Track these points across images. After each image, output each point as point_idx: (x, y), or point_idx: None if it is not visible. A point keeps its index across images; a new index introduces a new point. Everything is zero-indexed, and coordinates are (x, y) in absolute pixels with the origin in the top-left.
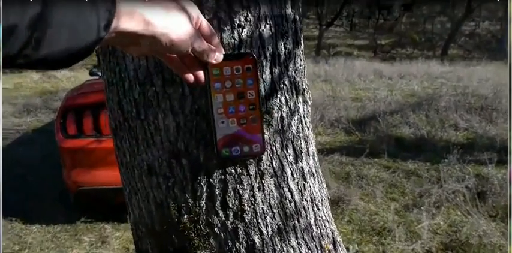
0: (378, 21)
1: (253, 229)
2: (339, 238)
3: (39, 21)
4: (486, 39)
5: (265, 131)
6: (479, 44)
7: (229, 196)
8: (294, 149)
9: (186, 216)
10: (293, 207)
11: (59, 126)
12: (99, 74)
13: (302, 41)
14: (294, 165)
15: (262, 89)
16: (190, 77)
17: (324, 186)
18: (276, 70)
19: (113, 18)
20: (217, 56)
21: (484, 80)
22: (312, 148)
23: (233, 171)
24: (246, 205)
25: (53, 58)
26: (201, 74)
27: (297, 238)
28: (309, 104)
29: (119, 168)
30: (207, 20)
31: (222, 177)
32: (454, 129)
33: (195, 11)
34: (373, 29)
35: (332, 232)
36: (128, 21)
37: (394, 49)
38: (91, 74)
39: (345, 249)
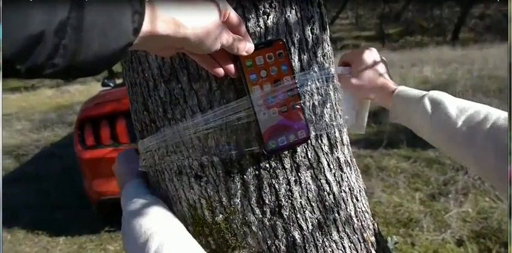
0: (383, 10)
1: (293, 225)
2: (379, 230)
3: (68, 27)
4: (497, 20)
5: None
6: (491, 25)
7: (265, 192)
8: (329, 139)
9: (220, 216)
10: (332, 200)
11: (77, 138)
12: (111, 84)
13: (328, 26)
14: (330, 156)
15: None
16: (221, 71)
17: (360, 175)
18: (305, 57)
19: (142, 22)
20: (249, 47)
21: (498, 61)
22: (346, 137)
23: (267, 165)
24: (283, 200)
25: (83, 66)
26: (231, 66)
27: (338, 231)
28: (339, 90)
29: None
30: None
31: (256, 172)
32: None
33: (222, 2)
34: (379, 19)
35: (373, 224)
36: (158, 24)
37: (402, 38)
38: (103, 84)
39: (385, 241)
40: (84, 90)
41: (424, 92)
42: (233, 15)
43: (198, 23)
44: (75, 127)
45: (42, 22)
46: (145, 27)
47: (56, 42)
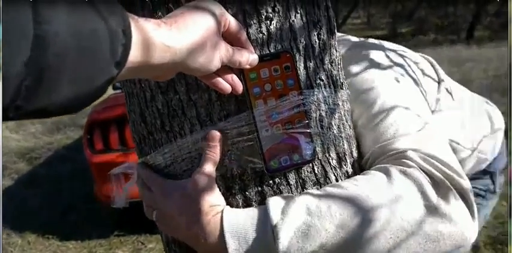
0: (396, 8)
1: None
2: None
3: (30, 67)
4: None
5: None
6: (507, 22)
7: None
8: (337, 152)
9: None
10: None
11: (86, 142)
12: None
13: (335, 30)
14: (338, 170)
15: None
16: (227, 87)
17: None
18: (311, 64)
19: (127, 54)
20: (252, 60)
21: None
22: (355, 149)
23: (271, 181)
24: None
25: (55, 107)
26: (237, 82)
27: None
28: (348, 99)
29: None
30: (231, 15)
31: (259, 188)
32: None
33: (219, 10)
34: (391, 17)
35: None
36: (151, 54)
37: (415, 37)
38: (114, 88)
39: None
40: None
41: None
42: (233, 22)
43: (194, 42)
44: (84, 132)
45: (5, 63)
46: (135, 57)
47: (17, 83)
